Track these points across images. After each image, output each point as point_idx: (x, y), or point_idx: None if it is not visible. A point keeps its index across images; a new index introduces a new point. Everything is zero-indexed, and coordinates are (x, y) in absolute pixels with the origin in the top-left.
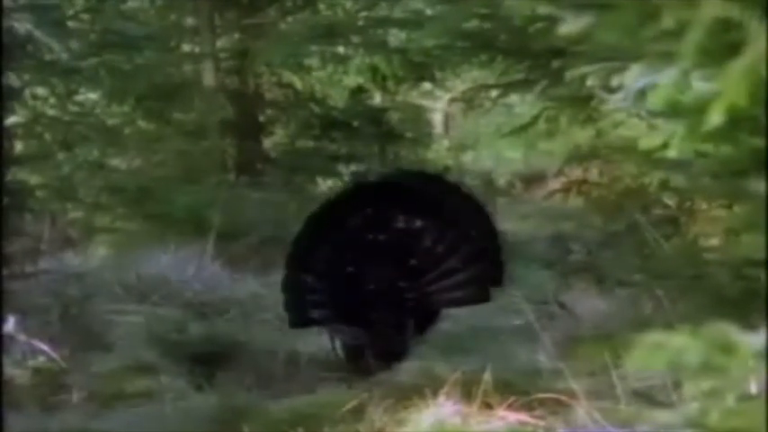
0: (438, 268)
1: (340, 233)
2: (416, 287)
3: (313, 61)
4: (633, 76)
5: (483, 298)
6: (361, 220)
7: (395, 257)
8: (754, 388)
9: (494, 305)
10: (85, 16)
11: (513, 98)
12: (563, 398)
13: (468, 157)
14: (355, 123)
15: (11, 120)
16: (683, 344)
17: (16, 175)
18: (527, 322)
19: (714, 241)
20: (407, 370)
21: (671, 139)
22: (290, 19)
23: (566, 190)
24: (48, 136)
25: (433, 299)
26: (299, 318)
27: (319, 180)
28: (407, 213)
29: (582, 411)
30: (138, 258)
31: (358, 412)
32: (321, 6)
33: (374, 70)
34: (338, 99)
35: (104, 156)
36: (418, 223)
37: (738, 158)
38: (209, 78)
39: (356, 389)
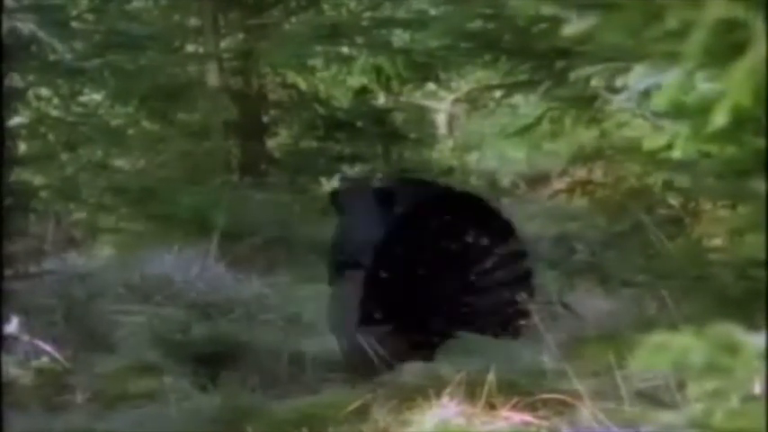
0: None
1: (415, 237)
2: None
3: (317, 62)
4: (637, 77)
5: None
6: (437, 228)
7: (456, 270)
8: (758, 388)
9: None
10: (89, 17)
11: (518, 99)
12: (567, 398)
13: (472, 158)
14: (359, 124)
15: (15, 120)
16: (687, 344)
17: (20, 175)
18: (531, 323)
19: (718, 242)
20: (411, 371)
21: (675, 139)
22: (293, 19)
23: (570, 190)
24: (51, 136)
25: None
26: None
27: (323, 181)
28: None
29: (586, 412)
30: (142, 259)
31: (362, 413)
32: (325, 7)
33: (378, 71)
34: (342, 99)
35: (108, 156)
36: (484, 240)
37: (742, 159)
38: (212, 79)
39: (360, 389)
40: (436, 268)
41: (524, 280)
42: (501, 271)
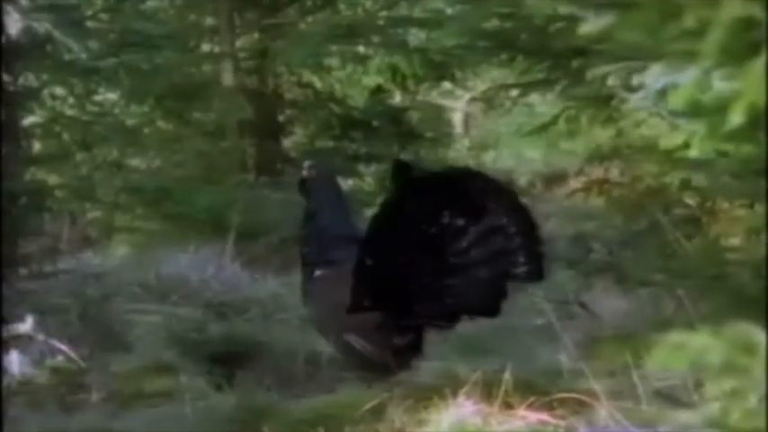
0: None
1: (397, 223)
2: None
3: (333, 61)
4: (654, 76)
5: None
6: (416, 212)
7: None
8: None
9: (514, 305)
10: (104, 16)
11: (534, 98)
12: (584, 398)
13: (488, 157)
14: (375, 123)
15: (29, 120)
16: (704, 344)
17: (35, 174)
18: (548, 322)
19: (735, 241)
20: (427, 370)
21: (692, 138)
22: (309, 19)
23: (586, 189)
24: (66, 136)
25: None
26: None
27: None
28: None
29: (603, 411)
30: (158, 258)
31: (378, 412)
32: (341, 6)
33: (394, 70)
34: (358, 99)
35: (123, 156)
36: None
37: (759, 158)
38: (228, 78)
39: (376, 389)
40: (417, 252)
41: (499, 257)
42: (476, 249)
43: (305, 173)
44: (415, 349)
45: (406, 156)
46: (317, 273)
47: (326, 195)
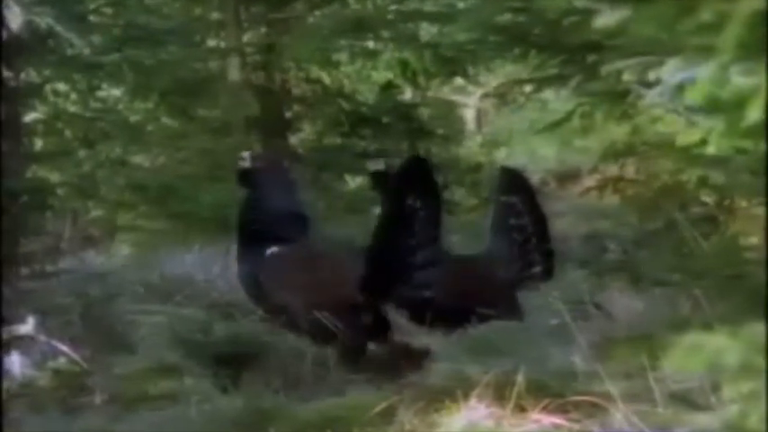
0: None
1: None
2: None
3: (341, 56)
4: (670, 71)
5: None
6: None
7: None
8: None
9: (528, 305)
10: (108, 10)
11: (548, 93)
12: (599, 400)
13: (501, 154)
14: (385, 120)
15: (31, 116)
16: (721, 345)
17: (37, 172)
18: (561, 323)
19: (754, 239)
20: (438, 372)
21: (709, 135)
22: (317, 13)
23: (601, 187)
24: (69, 133)
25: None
26: None
27: (348, 178)
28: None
29: (618, 414)
30: (162, 257)
31: (388, 415)
32: (350, 0)
33: (404, 65)
34: (367, 95)
35: (127, 153)
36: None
37: None
38: (234, 74)
39: (386, 391)
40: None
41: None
42: (422, 234)
43: (246, 164)
44: (383, 327)
45: (417, 152)
46: (270, 251)
47: (276, 181)
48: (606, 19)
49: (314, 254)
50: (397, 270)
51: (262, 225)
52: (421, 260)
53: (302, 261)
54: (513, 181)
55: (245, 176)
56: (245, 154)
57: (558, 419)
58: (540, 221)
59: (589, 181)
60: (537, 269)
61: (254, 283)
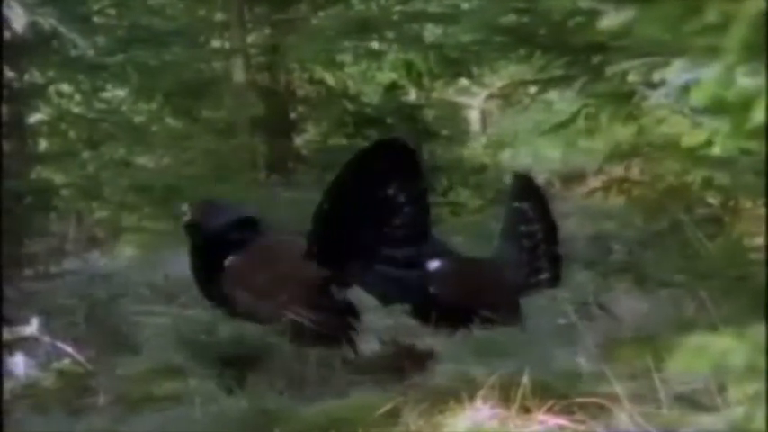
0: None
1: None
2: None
3: (346, 57)
4: (676, 72)
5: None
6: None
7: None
8: None
9: (533, 306)
10: (112, 11)
11: (552, 95)
12: (604, 401)
13: (505, 156)
14: (389, 121)
15: (35, 117)
16: (727, 346)
17: (41, 173)
18: (567, 323)
19: (759, 241)
20: (443, 372)
21: (714, 136)
22: (322, 14)
23: (606, 188)
24: (73, 134)
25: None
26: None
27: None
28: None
29: (623, 415)
30: (166, 258)
31: (392, 416)
32: (354, 0)
33: (409, 66)
34: (372, 96)
35: (131, 154)
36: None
37: None
38: (239, 75)
39: (390, 392)
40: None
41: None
42: (404, 229)
43: (189, 217)
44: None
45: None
46: (228, 260)
47: (221, 220)
48: (611, 20)
49: (270, 250)
50: (353, 239)
51: (215, 242)
52: (390, 236)
53: (259, 262)
54: (526, 187)
55: (190, 228)
56: (185, 207)
57: (563, 420)
58: (551, 229)
59: (594, 182)
60: (544, 275)
61: (222, 300)
